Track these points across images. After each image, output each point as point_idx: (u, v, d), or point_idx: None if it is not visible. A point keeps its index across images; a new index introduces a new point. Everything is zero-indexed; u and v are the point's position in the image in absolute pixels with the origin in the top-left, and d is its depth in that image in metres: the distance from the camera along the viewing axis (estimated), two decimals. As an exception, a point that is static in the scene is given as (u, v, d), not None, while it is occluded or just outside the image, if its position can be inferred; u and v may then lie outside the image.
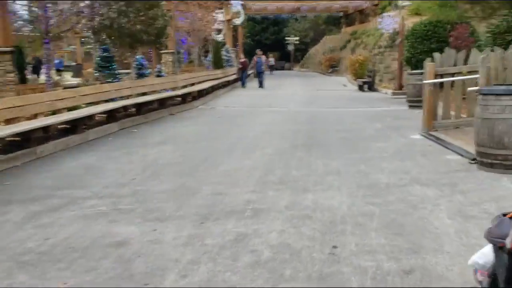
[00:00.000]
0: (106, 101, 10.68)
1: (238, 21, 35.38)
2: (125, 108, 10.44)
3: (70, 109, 9.21)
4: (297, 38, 53.23)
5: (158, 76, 19.02)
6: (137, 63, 17.23)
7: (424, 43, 15.00)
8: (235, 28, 37.10)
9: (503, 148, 5.30)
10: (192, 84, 16.13)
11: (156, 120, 11.29)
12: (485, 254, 2.33)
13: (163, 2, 17.94)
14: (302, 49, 54.79)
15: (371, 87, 20.18)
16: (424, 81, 7.89)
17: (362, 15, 39.42)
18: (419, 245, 3.55)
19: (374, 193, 4.86)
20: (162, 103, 12.30)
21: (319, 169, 6.00)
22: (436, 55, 7.98)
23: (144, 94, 12.39)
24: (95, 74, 15.87)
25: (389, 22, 18.74)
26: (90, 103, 9.96)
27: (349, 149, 7.19)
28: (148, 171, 6.26)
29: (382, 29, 20.68)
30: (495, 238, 2.11)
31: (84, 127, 8.76)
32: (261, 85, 22.43)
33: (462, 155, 6.34)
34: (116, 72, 15.86)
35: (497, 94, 5.29)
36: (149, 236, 3.94)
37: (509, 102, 5.22)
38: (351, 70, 26.69)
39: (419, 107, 12.14)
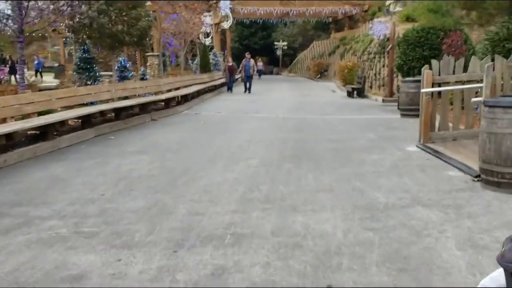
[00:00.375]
0: (84, 105, 10.05)
1: (226, 25, 34.89)
2: (102, 113, 9.80)
3: (42, 113, 8.57)
4: (286, 43, 52.89)
5: (142, 79, 18.39)
6: (120, 65, 16.62)
7: (416, 50, 14.61)
8: (223, 32, 36.62)
9: (511, 166, 4.81)
10: (177, 88, 15.53)
11: (136, 126, 10.67)
12: (496, 279, 1.86)
13: (148, 3, 17.36)
14: (291, 54, 54.45)
15: (361, 94, 19.76)
16: (422, 90, 7.41)
17: (351, 21, 39.17)
18: (428, 283, 3.02)
19: (372, 215, 4.33)
20: (144, 108, 11.69)
21: (310, 185, 5.45)
22: (434, 62, 7.51)
23: (126, 98, 11.76)
24: (74, 76, 15.20)
25: (380, 28, 18.37)
26: (65, 107, 9.34)
27: (341, 162, 6.66)
28: (120, 185, 5.65)
29: (373, 35, 20.30)
30: (509, 264, 1.65)
31: (55, 133, 8.13)
32: (248, 90, 21.83)
33: (464, 171, 5.84)
34: (97, 74, 15.20)
35: (505, 107, 4.80)
36: (111, 268, 3.35)
37: (519, 115, 4.74)
38: (340, 76, 26.32)
39: (412, 116, 11.73)
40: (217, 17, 33.70)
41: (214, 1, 33.49)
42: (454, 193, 5.02)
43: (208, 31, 33.26)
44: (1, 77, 19.03)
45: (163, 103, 13.05)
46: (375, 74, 23.52)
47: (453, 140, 7.62)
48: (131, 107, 10.93)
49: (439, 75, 7.52)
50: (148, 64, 25.48)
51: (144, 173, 6.21)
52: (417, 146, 7.58)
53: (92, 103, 10.73)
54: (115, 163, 6.85)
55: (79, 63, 15.13)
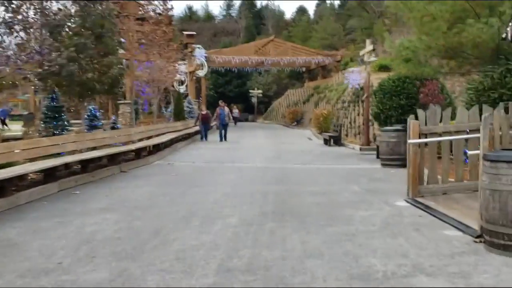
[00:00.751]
0: (49, 156, 9.32)
1: (201, 73, 34.92)
2: (68, 165, 9.09)
3: (1, 166, 7.82)
4: (261, 91, 53.33)
5: (113, 128, 17.76)
6: (89, 114, 15.99)
7: (393, 99, 14.50)
8: (198, 80, 36.56)
9: (519, 227, 4.36)
10: (149, 137, 14.93)
11: (105, 178, 9.96)
12: None
13: (121, 51, 17.00)
14: (266, 102, 54.84)
15: (338, 142, 19.54)
16: (409, 141, 7.04)
17: (324, 71, 39.81)
18: None
19: (372, 289, 3.76)
20: (113, 159, 11.01)
21: (296, 249, 4.86)
22: (420, 112, 7.20)
23: (94, 148, 11.09)
24: (42, 126, 14.48)
25: (355, 77, 18.39)
26: (28, 159, 8.61)
27: (328, 219, 6.11)
28: (81, 250, 4.94)
29: (348, 84, 20.34)
30: None
31: (13, 189, 7.38)
32: (224, 138, 21.37)
33: (462, 231, 5.36)
34: (65, 123, 14.51)
35: (509, 162, 4.40)
36: None
37: (526, 171, 4.33)
38: (316, 123, 26.24)
39: (394, 165, 11.42)
40: (192, 66, 33.69)
41: (189, 50, 33.59)
42: (458, 257, 4.50)
43: (183, 79, 33.13)
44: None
45: (134, 154, 12.40)
46: (350, 122, 23.50)
47: (443, 193, 7.21)
48: (99, 158, 10.25)
49: (426, 125, 7.19)
50: (120, 112, 24.90)
51: (109, 235, 5.51)
52: (406, 200, 7.12)
53: (59, 154, 10.04)
54: (78, 223, 6.13)
55: (46, 111, 14.47)
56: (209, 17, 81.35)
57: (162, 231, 5.68)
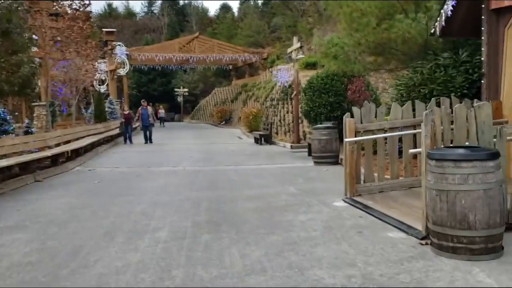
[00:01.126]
0: None
1: (122, 71, 33.45)
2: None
3: None
4: (186, 89, 52.34)
5: (27, 132, 16.28)
6: (-1, 117, 14.50)
7: (322, 97, 14.51)
8: (120, 79, 35.00)
9: (468, 229, 4.18)
10: (68, 142, 13.79)
11: (16, 190, 8.90)
12: None
13: (34, 48, 15.61)
14: (192, 101, 53.88)
15: (269, 140, 19.34)
16: (345, 140, 6.81)
17: (251, 69, 39.70)
18: None
19: (325, 310, 3.37)
20: (26, 168, 9.93)
21: (236, 265, 4.39)
22: (356, 110, 7.00)
23: (4, 156, 9.91)
24: None
25: (284, 74, 18.26)
26: None
27: (267, 226, 5.70)
28: (-20, 283, 4.15)
29: (277, 81, 20.18)
30: None
31: None
32: (149, 139, 20.30)
33: (405, 232, 5.17)
34: (-32, 128, 13.02)
35: (456, 160, 4.21)
36: None
37: (472, 169, 4.16)
38: (245, 122, 25.96)
39: (326, 163, 11.30)
40: (112, 64, 32.16)
41: (109, 48, 31.99)
42: (406, 263, 4.25)
43: (103, 78, 31.54)
44: None
45: (50, 160, 11.31)
46: (280, 120, 23.43)
47: (379, 192, 7.06)
48: (9, 167, 9.15)
49: (361, 122, 7.00)
50: (35, 115, 23.06)
51: (17, 261, 4.72)
52: (344, 200, 6.89)
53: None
54: (-21, 247, 5.25)
55: None
56: (130, 14, 78.56)
57: (81, 251, 4.97)
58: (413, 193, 6.85)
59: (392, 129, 7.07)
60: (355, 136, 6.90)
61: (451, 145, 4.87)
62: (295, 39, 17.73)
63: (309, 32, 34.23)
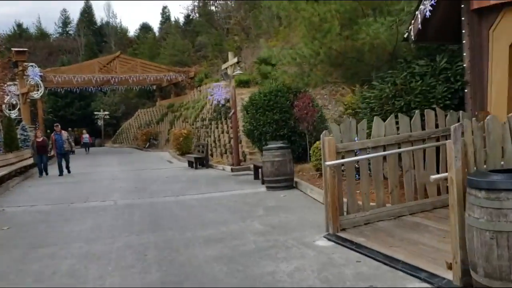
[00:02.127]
0: None
1: (37, 94, 30.50)
2: None
3: None
4: (107, 112, 49.49)
5: None
6: None
7: (266, 114, 13.37)
8: (33, 103, 31.84)
9: (541, 282, 3.08)
10: (-31, 177, 11.45)
11: None
12: None
13: None
14: (113, 124, 51.04)
15: (205, 163, 17.87)
16: (326, 163, 5.60)
17: (177, 88, 38.05)
18: None
19: None
20: None
21: None
22: (334, 127, 5.85)
23: None
24: None
25: (220, 92, 16.99)
26: None
27: (247, 284, 4.30)
28: None
29: (213, 99, 18.82)
30: None
31: None
32: (67, 169, 17.34)
33: (429, 282, 4.01)
34: None
35: (517, 190, 3.12)
36: None
37: (543, 202, 3.08)
38: (175, 144, 24.24)
39: (281, 187, 10.06)
40: (24, 86, 29.14)
41: (21, 69, 29.02)
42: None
43: (14, 102, 28.49)
44: None
45: None
46: (214, 141, 22.04)
47: (365, 223, 5.92)
48: None
49: (342, 141, 5.86)
50: None
51: None
52: (327, 238, 5.65)
53: None
54: None
55: None
56: (42, 35, 73.76)
57: None
58: (406, 224, 5.79)
59: (375, 148, 5.99)
60: (336, 158, 5.72)
61: (486, 167, 3.81)
62: (230, 54, 16.56)
63: (236, 51, 33.36)
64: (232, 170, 15.37)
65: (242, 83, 22.95)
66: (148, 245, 6.01)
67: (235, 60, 16.01)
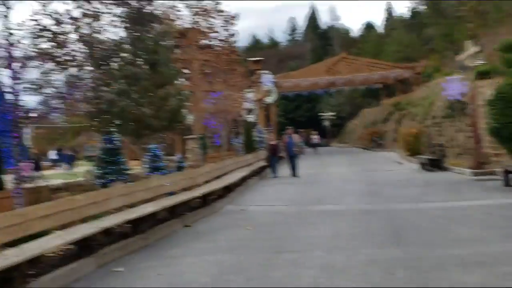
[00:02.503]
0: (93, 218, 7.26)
1: (270, 99, 32.96)
2: (108, 231, 6.93)
3: (20, 241, 5.79)
4: (333, 113, 50.62)
5: (179, 168, 15.82)
6: (151, 154, 14.15)
7: (518, 109, 11.34)
8: (267, 107, 34.54)
9: None
10: (218, 177, 12.72)
11: (161, 240, 7.70)
12: None
13: (181, 80, 15.20)
14: (338, 124, 51.97)
15: (440, 166, 16.30)
16: None
17: (403, 85, 36.35)
18: None
19: None
20: (173, 210, 8.85)
21: None
22: None
23: (151, 200, 8.94)
24: (95, 172, 12.77)
25: (455, 87, 15.28)
26: (61, 226, 6.57)
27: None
28: None
29: (447, 95, 17.10)
30: None
31: (31, 272, 5.31)
32: (294, 172, 17.34)
33: None
34: (122, 167, 12.70)
35: None
36: None
37: None
38: (405, 144, 22.99)
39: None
40: (259, 93, 31.82)
41: (256, 77, 31.86)
42: None
43: (251, 107, 31.35)
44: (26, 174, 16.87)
45: (199, 199, 10.19)
46: (447, 141, 20.07)
47: None
48: (154, 213, 8.07)
49: None
50: (187, 148, 23.18)
51: None
52: None
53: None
54: None
55: (102, 155, 12.78)
56: (273, 43, 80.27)
57: None
58: None
59: None
60: None
61: None
62: (468, 43, 14.77)
63: (471, 39, 29.99)
64: (474, 174, 13.58)
65: (482, 75, 20.33)
66: (393, 262, 5.41)
67: (475, 49, 14.16)
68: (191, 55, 17.71)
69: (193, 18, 17.35)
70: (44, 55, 9.49)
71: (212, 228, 8.53)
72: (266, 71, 34.23)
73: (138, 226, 7.61)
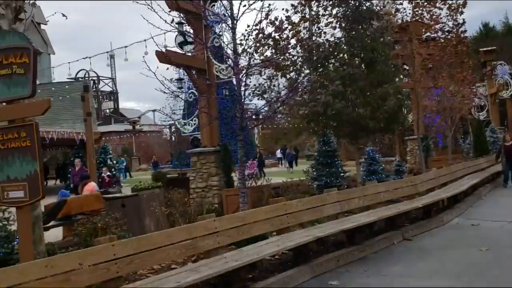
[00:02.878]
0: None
1: (506, 94, 28.91)
2: (322, 239, 6.66)
3: (242, 243, 5.99)
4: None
5: (398, 171, 14.94)
6: (367, 157, 13.65)
7: None
8: (502, 103, 30.33)
9: None
10: (443, 185, 11.43)
11: (378, 253, 7.13)
12: None
13: (401, 78, 14.23)
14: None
15: None
16: None
17: None
18: None
19: None
20: (391, 222, 8.17)
21: None
22: None
23: (367, 208, 8.45)
24: (313, 174, 12.92)
25: None
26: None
27: None
28: None
29: None
30: None
31: (248, 276, 5.40)
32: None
33: None
34: (339, 170, 12.56)
35: None
36: None
37: None
38: None
39: None
40: (493, 86, 28.15)
41: (489, 69, 28.30)
42: None
43: (482, 103, 27.98)
44: (250, 172, 18.18)
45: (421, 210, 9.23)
46: None
47: None
48: (371, 223, 7.54)
49: None
50: (408, 149, 21.89)
51: None
52: None
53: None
54: None
55: (318, 157, 12.86)
56: (510, 30, 70.35)
57: None
58: None
59: None
60: None
61: None
62: None
63: None
64: None
65: None
66: None
67: None
68: (412, 50, 16.50)
69: (415, 11, 16.12)
70: (266, 61, 9.89)
71: (437, 245, 7.55)
72: (501, 62, 30.06)
73: (353, 236, 7.21)
